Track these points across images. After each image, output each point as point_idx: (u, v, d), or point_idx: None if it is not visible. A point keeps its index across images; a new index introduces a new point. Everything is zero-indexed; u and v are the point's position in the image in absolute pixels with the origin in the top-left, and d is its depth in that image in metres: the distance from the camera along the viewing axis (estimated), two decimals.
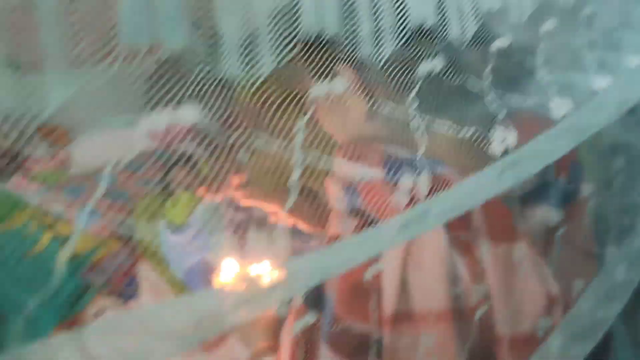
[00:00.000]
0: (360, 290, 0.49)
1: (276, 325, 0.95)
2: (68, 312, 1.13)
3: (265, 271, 1.07)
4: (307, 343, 0.54)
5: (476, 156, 0.53)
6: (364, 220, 0.52)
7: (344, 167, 0.57)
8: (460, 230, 0.48)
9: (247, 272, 1.08)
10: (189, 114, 2.28)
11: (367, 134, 0.60)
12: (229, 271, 1.12)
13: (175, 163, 1.52)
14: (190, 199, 1.28)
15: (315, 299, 0.54)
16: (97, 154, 2.12)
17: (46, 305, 1.16)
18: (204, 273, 1.12)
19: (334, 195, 0.59)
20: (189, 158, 1.61)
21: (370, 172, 0.54)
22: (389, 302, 0.48)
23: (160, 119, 2.41)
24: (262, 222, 1.20)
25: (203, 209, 1.23)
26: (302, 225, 1.06)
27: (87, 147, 2.06)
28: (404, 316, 0.47)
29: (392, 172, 0.52)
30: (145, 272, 1.28)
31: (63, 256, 1.38)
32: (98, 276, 1.24)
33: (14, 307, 1.17)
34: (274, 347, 0.63)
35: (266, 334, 0.90)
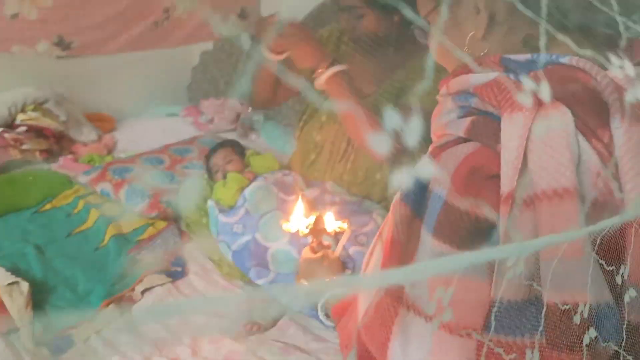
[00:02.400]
0: (477, 173, 0.47)
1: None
2: (116, 287, 1.12)
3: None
4: (408, 236, 0.52)
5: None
6: (479, 116, 0.50)
7: (453, 84, 0.54)
8: (587, 115, 0.46)
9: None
10: (233, 104, 2.25)
11: (481, 52, 0.58)
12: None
13: (221, 148, 1.50)
14: (238, 180, 1.25)
15: (419, 199, 0.52)
16: (143, 139, 2.12)
17: (95, 280, 1.15)
18: (253, 253, 1.09)
19: (440, 112, 0.56)
20: (236, 145, 1.59)
21: (486, 76, 0.51)
22: (507, 180, 0.46)
23: (205, 109, 2.39)
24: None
25: (252, 191, 1.20)
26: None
27: (132, 132, 2.07)
28: (523, 195, 0.45)
29: (511, 71, 0.50)
30: (192, 252, 1.25)
31: (110, 233, 1.37)
32: (146, 254, 1.23)
33: (63, 281, 1.16)
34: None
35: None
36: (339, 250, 0.98)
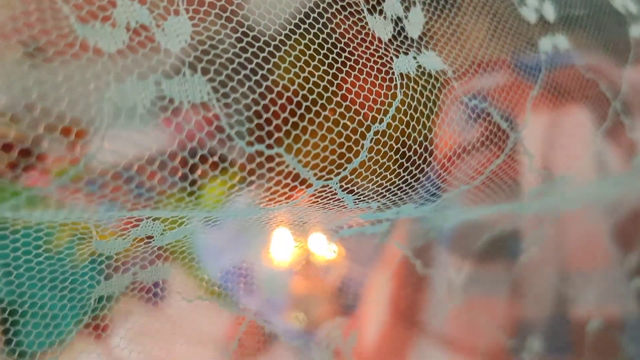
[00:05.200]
0: (495, 180, 0.46)
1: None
2: (91, 313, 1.05)
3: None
4: (420, 255, 0.49)
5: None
6: (490, 122, 0.48)
7: (460, 88, 0.52)
8: (605, 116, 0.45)
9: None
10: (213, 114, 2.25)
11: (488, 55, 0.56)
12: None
13: (204, 160, 1.44)
14: (223, 190, 1.20)
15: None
16: (119, 149, 2.08)
17: (68, 303, 1.08)
18: (241, 274, 1.04)
19: (446, 118, 0.54)
20: (218, 156, 1.53)
21: (496, 79, 0.49)
22: (530, 185, 0.44)
23: (185, 117, 2.40)
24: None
25: (241, 200, 1.16)
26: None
27: (108, 142, 2.00)
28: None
29: (522, 72, 0.48)
30: (174, 272, 1.20)
31: (84, 253, 1.30)
32: (123, 274, 1.16)
33: (33, 306, 1.08)
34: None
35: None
36: (334, 279, 0.94)
